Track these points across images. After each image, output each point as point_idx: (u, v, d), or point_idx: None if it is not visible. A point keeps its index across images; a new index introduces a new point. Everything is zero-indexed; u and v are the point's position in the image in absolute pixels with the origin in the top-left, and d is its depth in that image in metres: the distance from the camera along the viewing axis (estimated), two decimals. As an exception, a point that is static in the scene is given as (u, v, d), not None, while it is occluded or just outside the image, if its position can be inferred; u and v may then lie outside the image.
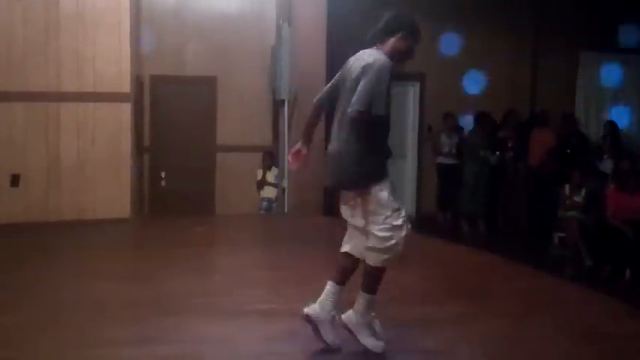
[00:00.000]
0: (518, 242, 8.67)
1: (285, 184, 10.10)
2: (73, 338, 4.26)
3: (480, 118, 10.82)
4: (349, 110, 3.79)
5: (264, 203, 10.42)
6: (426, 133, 11.70)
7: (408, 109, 11.80)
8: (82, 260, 6.64)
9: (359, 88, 3.79)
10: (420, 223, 10.89)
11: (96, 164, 9.13)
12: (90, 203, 9.05)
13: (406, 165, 11.61)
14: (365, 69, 3.83)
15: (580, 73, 12.06)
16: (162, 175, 10.52)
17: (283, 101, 10.12)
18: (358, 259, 4.06)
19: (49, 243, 7.52)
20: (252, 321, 4.67)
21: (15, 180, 8.80)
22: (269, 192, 10.39)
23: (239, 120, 10.62)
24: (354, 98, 3.78)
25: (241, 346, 4.19)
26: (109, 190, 9.14)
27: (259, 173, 10.42)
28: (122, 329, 4.46)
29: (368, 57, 3.91)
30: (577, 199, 8.70)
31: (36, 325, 4.52)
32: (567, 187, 8.81)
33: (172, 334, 4.33)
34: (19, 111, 8.96)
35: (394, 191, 3.96)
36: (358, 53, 4.04)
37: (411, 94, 11.82)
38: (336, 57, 10.21)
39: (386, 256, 3.93)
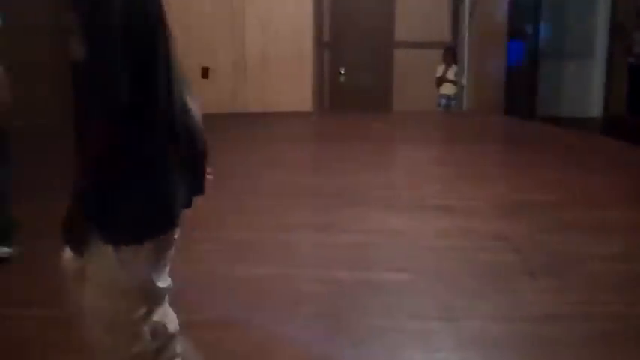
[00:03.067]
0: None
1: (464, 81, 9.96)
2: (267, 222, 4.55)
3: None
4: None
5: (443, 100, 10.34)
6: (617, 30, 10.98)
7: (597, 3, 11.09)
8: (270, 150, 7.01)
9: None
10: (608, 125, 10.42)
11: (279, 59, 9.41)
12: (274, 96, 9.39)
13: (594, 65, 11.01)
14: None
15: None
16: (342, 70, 10.68)
17: (464, -3, 9.85)
18: None
19: (238, 133, 7.94)
20: (429, 215, 4.76)
21: (205, 72, 9.27)
22: (448, 89, 10.28)
23: (418, 16, 10.47)
24: None
25: (419, 238, 4.29)
26: (291, 84, 9.43)
27: (440, 69, 10.30)
28: (309, 216, 4.73)
29: None
30: None
31: (232, 209, 4.86)
32: None
33: (355, 224, 4.52)
34: (207, 6, 9.33)
35: None
36: None
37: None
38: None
39: None
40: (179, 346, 1.93)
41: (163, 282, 1.91)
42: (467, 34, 9.87)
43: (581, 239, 4.21)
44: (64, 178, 4.69)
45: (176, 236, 1.86)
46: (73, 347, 2.74)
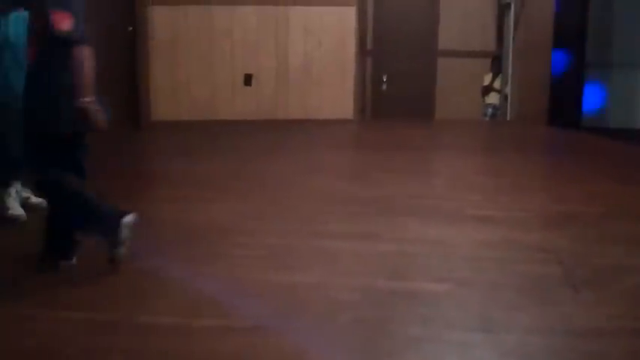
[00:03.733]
0: None
1: (507, 90, 9.86)
2: (300, 228, 4.53)
3: None
4: None
5: (489, 109, 10.25)
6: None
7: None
8: (309, 157, 7.02)
9: None
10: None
11: (321, 67, 9.42)
12: (316, 104, 9.40)
13: (639, 75, 10.81)
14: None
15: None
16: (384, 78, 10.65)
17: (509, 4, 9.75)
18: None
19: (278, 139, 7.97)
20: (470, 225, 4.68)
21: (248, 79, 9.32)
22: (495, 98, 10.20)
23: (462, 24, 10.41)
24: None
25: (457, 249, 4.23)
26: (333, 91, 9.43)
27: (487, 78, 10.22)
28: (345, 224, 4.68)
29: None
30: None
31: (270, 214, 4.88)
32: None
33: (393, 233, 4.47)
34: (251, 14, 9.38)
35: None
36: None
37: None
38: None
39: None
40: None
41: None
42: (511, 44, 9.77)
43: (627, 252, 4.11)
44: (121, 188, 4.67)
45: None
46: (114, 354, 2.75)
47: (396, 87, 10.59)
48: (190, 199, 5.27)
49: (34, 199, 4.86)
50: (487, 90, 10.20)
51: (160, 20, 9.30)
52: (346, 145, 8.27)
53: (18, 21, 4.54)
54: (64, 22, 3.30)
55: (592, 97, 10.52)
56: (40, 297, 3.32)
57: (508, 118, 9.86)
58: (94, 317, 3.07)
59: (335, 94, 9.43)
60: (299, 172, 6.34)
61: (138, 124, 9.13)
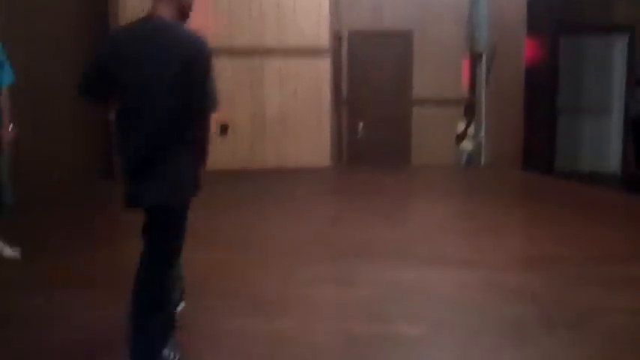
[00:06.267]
0: None
1: (481, 136, 9.98)
2: (281, 276, 4.53)
3: None
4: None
5: (465, 156, 10.34)
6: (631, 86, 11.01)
7: (614, 62, 11.16)
8: (286, 205, 7.03)
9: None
10: (627, 181, 10.35)
11: (297, 116, 9.49)
12: (292, 152, 9.44)
13: (611, 121, 11.02)
14: None
15: None
16: (360, 126, 10.74)
17: (481, 54, 9.94)
18: None
19: (256, 188, 7.98)
20: (447, 269, 4.71)
21: (224, 129, 9.36)
22: (469, 144, 10.30)
23: (435, 73, 10.56)
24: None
25: (436, 292, 4.24)
26: (309, 140, 9.48)
27: (460, 125, 10.33)
28: (323, 270, 4.67)
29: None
30: None
31: (245, 262, 4.88)
32: None
33: (371, 277, 4.48)
34: (226, 65, 9.45)
35: None
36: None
37: (618, 47, 11.16)
38: (537, 7, 9.88)
39: None
40: None
41: None
42: (484, 91, 9.93)
43: (602, 293, 4.15)
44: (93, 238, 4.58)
45: None
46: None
47: (372, 134, 10.67)
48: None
49: (8, 251, 4.83)
50: (461, 137, 10.31)
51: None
52: (323, 192, 8.29)
53: None
54: None
55: (564, 141, 10.68)
56: None
57: (482, 163, 9.96)
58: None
59: (312, 143, 9.48)
60: (277, 219, 6.35)
61: (112, 175, 9.05)
